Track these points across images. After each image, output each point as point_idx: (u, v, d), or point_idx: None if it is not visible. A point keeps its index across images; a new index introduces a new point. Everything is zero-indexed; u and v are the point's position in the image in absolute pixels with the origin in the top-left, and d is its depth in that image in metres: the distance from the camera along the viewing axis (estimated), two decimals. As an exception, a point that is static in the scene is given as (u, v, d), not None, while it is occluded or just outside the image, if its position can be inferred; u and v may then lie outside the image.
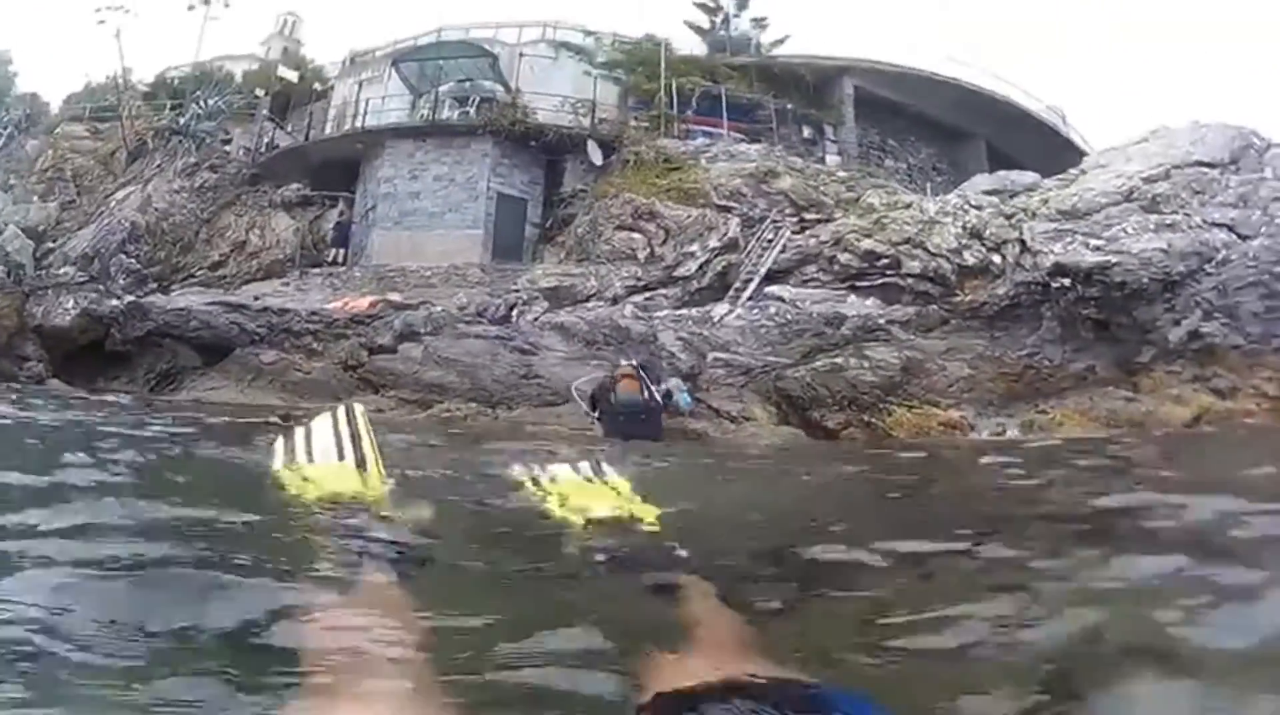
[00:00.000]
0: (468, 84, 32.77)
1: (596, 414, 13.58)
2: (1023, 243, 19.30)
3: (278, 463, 3.81)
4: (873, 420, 16.33)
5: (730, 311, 20.78)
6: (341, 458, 3.81)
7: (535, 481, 4.43)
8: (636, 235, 25.05)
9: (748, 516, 5.60)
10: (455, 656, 2.14)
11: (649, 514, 3.90)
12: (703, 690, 1.56)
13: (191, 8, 42.30)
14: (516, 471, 4.69)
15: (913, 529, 4.91)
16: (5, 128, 40.53)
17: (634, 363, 14.32)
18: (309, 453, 3.83)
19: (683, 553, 3.30)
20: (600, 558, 3.46)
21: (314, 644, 2.05)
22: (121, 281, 27.48)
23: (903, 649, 2.54)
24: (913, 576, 3.74)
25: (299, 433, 3.93)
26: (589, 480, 4.34)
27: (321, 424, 4.00)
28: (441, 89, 32.91)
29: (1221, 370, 16.59)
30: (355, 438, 3.91)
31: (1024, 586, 3.24)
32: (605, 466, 4.51)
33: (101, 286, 24.59)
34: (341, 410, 4.08)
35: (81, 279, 24.95)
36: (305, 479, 3.68)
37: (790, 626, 2.78)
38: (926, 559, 3.97)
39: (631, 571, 3.30)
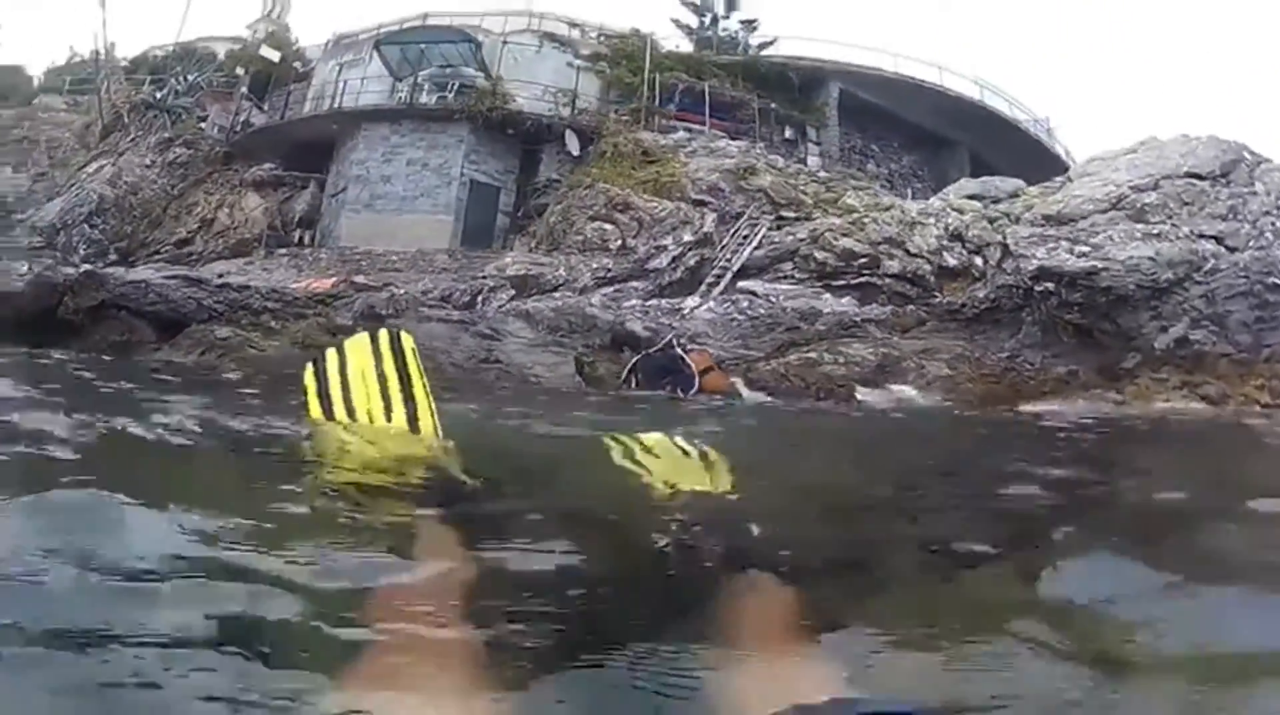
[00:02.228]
0: (449, 70, 32.45)
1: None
2: (1005, 246, 19.18)
3: (312, 415, 3.21)
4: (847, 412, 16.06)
5: (701, 304, 20.50)
6: (389, 417, 3.14)
7: (624, 447, 3.79)
8: (609, 226, 24.73)
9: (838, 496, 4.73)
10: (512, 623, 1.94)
11: (729, 486, 3.34)
12: None
13: (179, -15, 42.39)
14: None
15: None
16: (-16, 96, 40.59)
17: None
18: (348, 407, 3.17)
19: (754, 530, 2.84)
20: (677, 530, 2.83)
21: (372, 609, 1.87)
22: (82, 251, 27.33)
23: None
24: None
25: (333, 373, 3.24)
26: (685, 451, 3.69)
27: (359, 361, 3.25)
28: (422, 74, 32.58)
29: (1210, 378, 16.40)
30: (405, 383, 3.20)
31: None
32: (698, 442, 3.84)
33: (58, 254, 24.27)
34: (385, 341, 3.30)
35: (39, 245, 24.66)
36: (344, 448, 3.10)
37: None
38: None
39: (706, 548, 2.71)
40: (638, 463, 3.57)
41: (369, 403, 3.14)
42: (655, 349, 13.34)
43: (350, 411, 3.14)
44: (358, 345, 3.27)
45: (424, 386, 3.23)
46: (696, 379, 13.16)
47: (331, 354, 3.29)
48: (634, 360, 13.44)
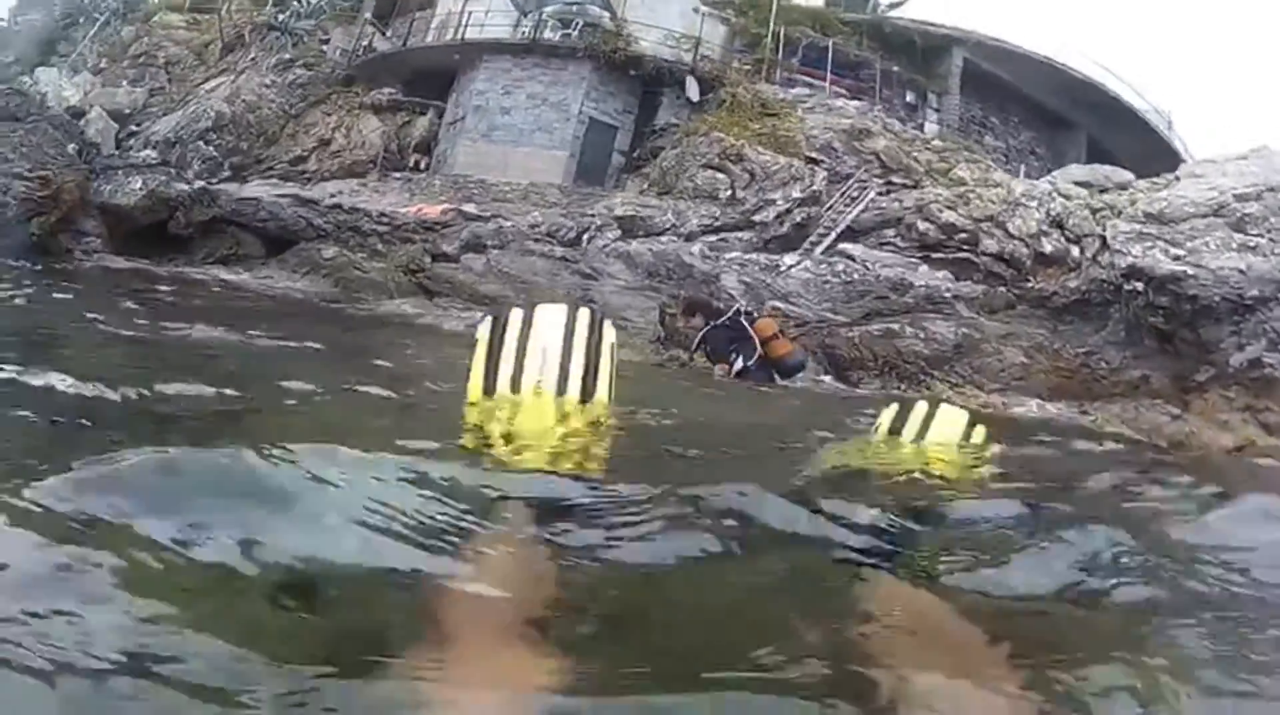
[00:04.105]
0: (574, 7, 32.44)
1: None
2: (1103, 239, 18.95)
3: (472, 395, 2.67)
4: (908, 391, 16.17)
5: (799, 263, 20.58)
6: (562, 393, 2.62)
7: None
8: (721, 175, 24.84)
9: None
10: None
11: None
12: None
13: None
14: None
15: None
16: (103, 14, 41.04)
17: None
18: (514, 383, 2.63)
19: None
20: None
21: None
22: (196, 167, 27.86)
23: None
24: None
25: (510, 344, 2.65)
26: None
27: (547, 332, 2.68)
28: (547, 9, 32.58)
29: (1274, 404, 16.20)
30: (591, 370, 2.65)
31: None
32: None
33: (174, 170, 24.88)
34: (584, 321, 2.68)
35: (154, 161, 25.24)
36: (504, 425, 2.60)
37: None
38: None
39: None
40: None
41: (543, 376, 2.62)
42: (722, 320, 13.49)
43: (515, 386, 2.62)
44: (548, 318, 2.69)
45: (611, 376, 2.68)
46: (758, 345, 13.31)
47: (515, 318, 2.69)
48: (703, 332, 13.65)
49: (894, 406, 3.17)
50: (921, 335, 17.28)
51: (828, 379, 16.40)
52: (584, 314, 2.69)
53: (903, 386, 16.26)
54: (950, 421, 3.07)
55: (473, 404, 2.65)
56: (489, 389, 2.63)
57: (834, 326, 17.68)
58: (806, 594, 1.87)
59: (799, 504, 2.32)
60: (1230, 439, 15.12)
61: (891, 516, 2.25)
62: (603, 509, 2.15)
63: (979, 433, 3.06)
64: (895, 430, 3.10)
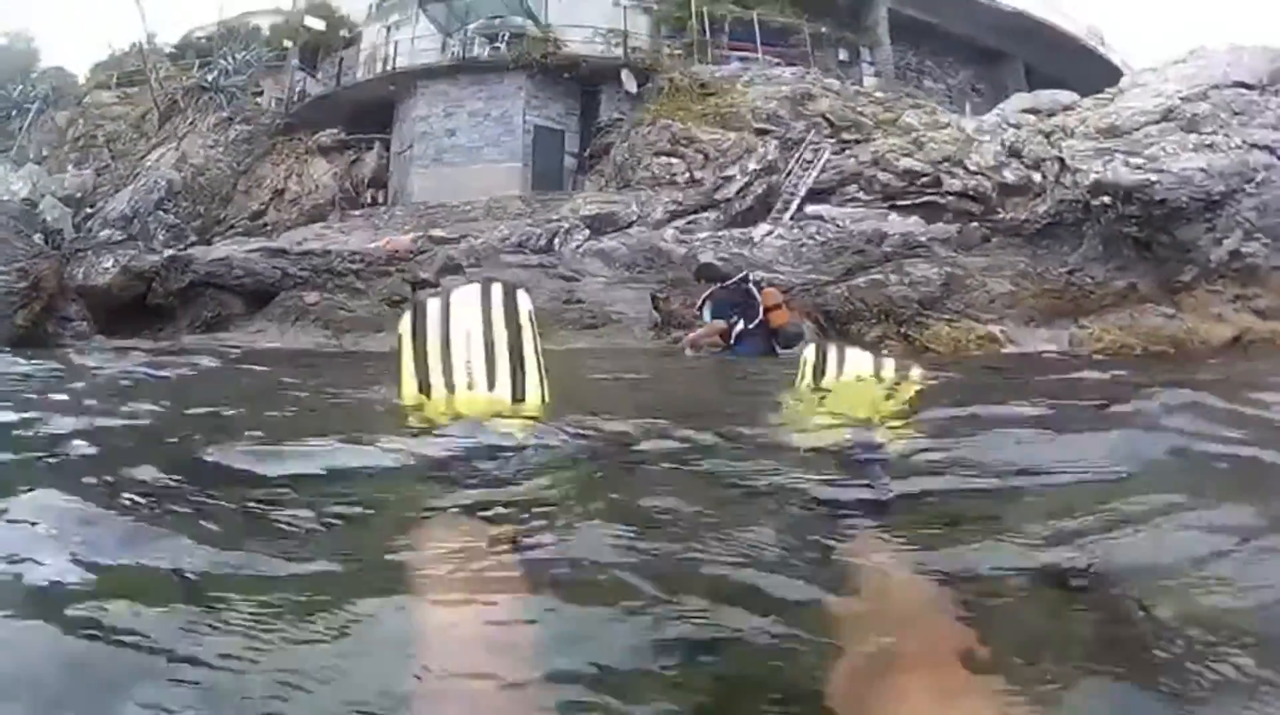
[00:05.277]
0: (497, 20, 32.61)
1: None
2: (1061, 161, 19.08)
3: (406, 396, 2.74)
4: (910, 333, 16.42)
5: (771, 232, 20.73)
6: (493, 387, 2.70)
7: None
8: (675, 160, 25.03)
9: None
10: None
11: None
12: None
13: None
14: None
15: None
16: (33, 102, 40.96)
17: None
18: (447, 379, 2.71)
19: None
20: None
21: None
22: (161, 237, 27.82)
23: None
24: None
25: (433, 335, 2.73)
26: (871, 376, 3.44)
27: (465, 320, 2.74)
28: (471, 27, 32.83)
29: (1262, 291, 16.42)
30: (516, 350, 2.73)
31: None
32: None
33: (140, 243, 24.91)
34: (499, 297, 2.77)
35: (120, 238, 25.26)
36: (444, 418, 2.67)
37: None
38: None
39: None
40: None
41: (471, 370, 2.72)
42: (730, 282, 13.62)
43: (450, 384, 2.72)
44: (464, 300, 2.78)
45: (538, 358, 2.79)
46: (761, 312, 13.42)
47: (433, 307, 2.77)
48: (708, 292, 13.81)
49: (810, 348, 3.71)
50: (907, 280, 17.41)
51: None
52: (497, 290, 2.81)
53: (903, 328, 16.42)
54: (859, 361, 3.61)
55: (411, 406, 2.74)
56: (424, 388, 2.73)
57: (821, 286, 17.80)
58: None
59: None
60: (1228, 329, 15.37)
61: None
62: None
63: (887, 366, 3.59)
64: (819, 374, 3.58)
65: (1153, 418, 3.10)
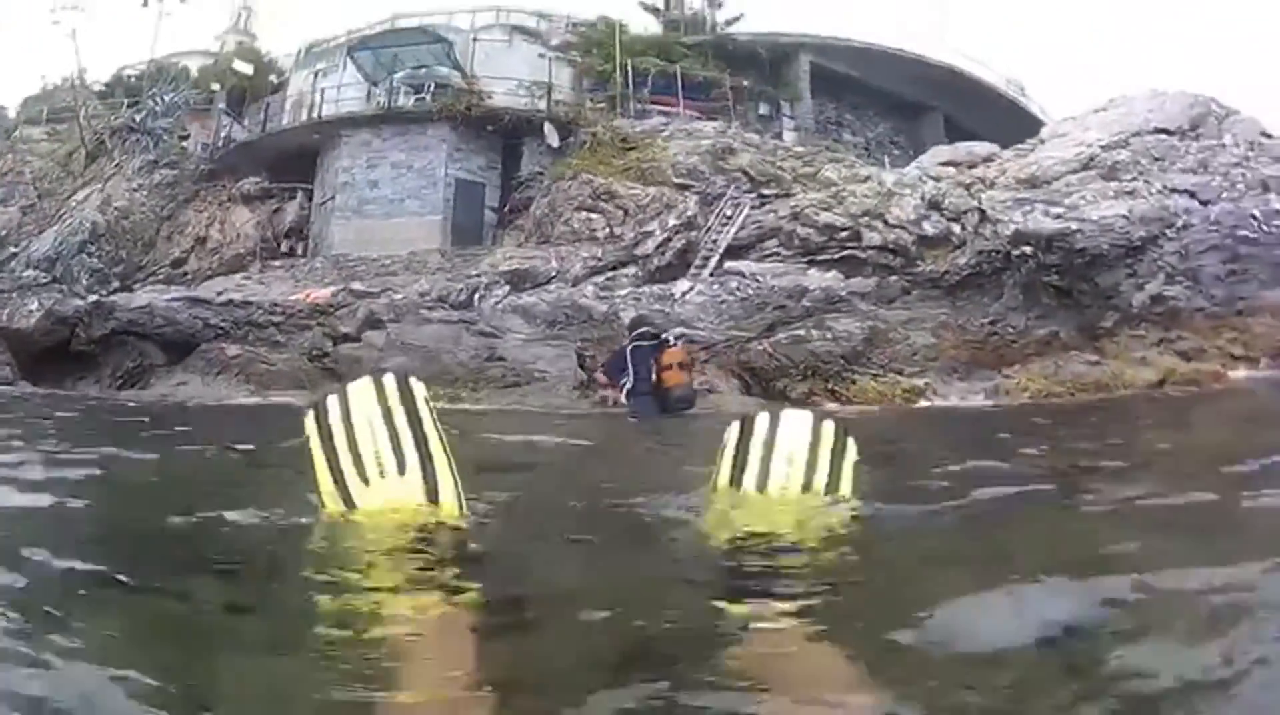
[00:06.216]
0: (423, 71, 32.62)
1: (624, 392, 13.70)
2: (982, 212, 19.37)
3: (330, 510, 2.70)
4: (837, 388, 16.63)
5: (691, 288, 20.80)
6: (403, 472, 2.69)
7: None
8: (595, 216, 25.13)
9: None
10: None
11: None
12: None
13: (145, 4, 42.24)
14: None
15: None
16: (-41, 137, 40.35)
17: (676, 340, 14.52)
18: (359, 469, 2.68)
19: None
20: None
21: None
22: (84, 281, 27.53)
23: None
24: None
25: (339, 436, 2.70)
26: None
27: (365, 410, 2.74)
28: (397, 77, 32.72)
29: (1186, 333, 16.83)
30: (420, 441, 2.72)
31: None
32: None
33: (64, 287, 24.56)
34: (392, 388, 2.79)
35: (44, 281, 24.89)
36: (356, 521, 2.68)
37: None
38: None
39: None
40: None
41: (381, 459, 2.70)
42: (629, 344, 13.69)
43: (364, 477, 2.68)
44: (360, 391, 2.78)
45: (442, 444, 2.78)
46: (653, 374, 13.47)
47: (333, 403, 2.76)
48: (613, 352, 13.96)
49: (735, 426, 3.17)
50: (829, 335, 17.60)
51: (747, 397, 16.56)
52: (390, 380, 2.81)
53: (829, 383, 16.56)
54: (794, 431, 3.09)
55: (335, 516, 2.69)
56: (338, 482, 2.69)
57: (743, 343, 17.89)
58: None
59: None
60: (1152, 372, 15.70)
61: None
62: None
63: (827, 430, 3.09)
64: (735, 479, 3.09)
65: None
